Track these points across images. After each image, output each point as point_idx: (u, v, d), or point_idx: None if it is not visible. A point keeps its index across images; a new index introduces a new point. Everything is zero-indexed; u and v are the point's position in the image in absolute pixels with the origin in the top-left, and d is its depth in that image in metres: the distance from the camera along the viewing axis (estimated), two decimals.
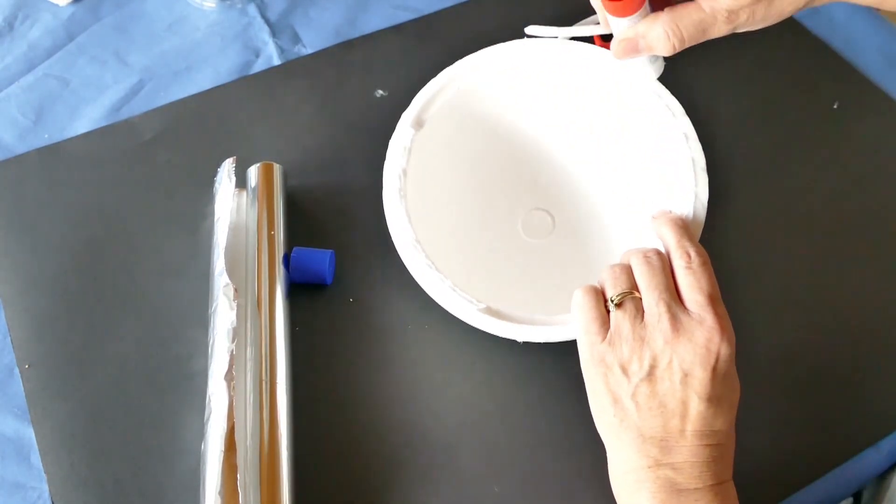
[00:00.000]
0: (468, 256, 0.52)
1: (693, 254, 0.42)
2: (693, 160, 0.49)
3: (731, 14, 0.43)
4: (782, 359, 0.50)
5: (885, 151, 0.60)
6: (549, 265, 0.53)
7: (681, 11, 0.43)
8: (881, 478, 0.50)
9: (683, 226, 0.45)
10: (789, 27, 0.68)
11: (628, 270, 0.43)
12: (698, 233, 0.47)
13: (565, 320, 0.46)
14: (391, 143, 0.52)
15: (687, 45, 0.44)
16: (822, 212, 0.56)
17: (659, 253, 0.43)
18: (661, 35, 0.44)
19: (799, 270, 0.54)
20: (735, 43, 0.65)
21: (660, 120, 0.51)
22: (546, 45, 0.55)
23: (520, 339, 0.46)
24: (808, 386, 0.49)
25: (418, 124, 0.52)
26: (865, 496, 0.51)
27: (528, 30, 0.65)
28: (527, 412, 0.48)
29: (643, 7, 0.45)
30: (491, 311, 0.46)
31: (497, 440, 0.47)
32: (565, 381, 0.48)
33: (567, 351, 0.49)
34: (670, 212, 0.47)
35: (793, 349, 0.50)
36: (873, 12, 0.70)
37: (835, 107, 0.62)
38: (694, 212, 0.47)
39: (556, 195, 0.56)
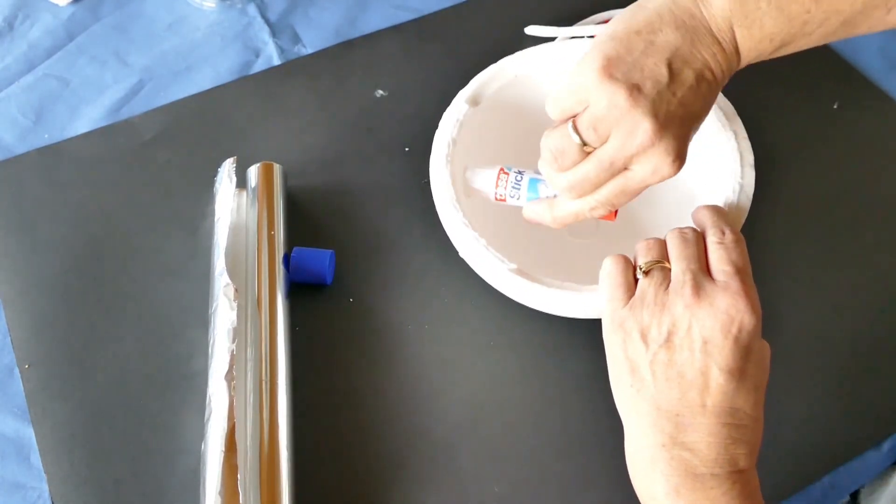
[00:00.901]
0: (513, 241, 0.51)
1: (727, 231, 0.42)
2: (741, 155, 0.50)
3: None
4: (782, 358, 0.50)
5: (885, 151, 0.60)
6: (593, 265, 0.53)
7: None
8: (881, 477, 0.50)
9: (721, 211, 0.45)
10: None
11: (661, 243, 0.43)
12: (740, 222, 0.47)
13: (593, 289, 0.45)
14: (444, 115, 0.52)
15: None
16: (819, 212, 0.56)
17: (694, 230, 0.43)
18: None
19: (796, 270, 0.54)
20: None
21: (709, 120, 0.51)
22: None
23: (547, 310, 0.46)
24: (809, 385, 0.49)
25: (474, 102, 0.52)
26: (864, 494, 0.51)
27: (528, 30, 0.65)
28: (528, 412, 0.48)
29: None
30: (521, 273, 0.46)
31: (498, 440, 0.47)
32: (569, 381, 0.48)
33: (572, 351, 0.49)
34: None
35: (792, 349, 0.50)
36: None
37: (835, 107, 0.62)
38: (738, 202, 0.48)
39: None
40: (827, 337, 0.51)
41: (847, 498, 0.50)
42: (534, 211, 0.46)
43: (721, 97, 0.53)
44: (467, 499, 0.45)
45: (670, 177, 0.41)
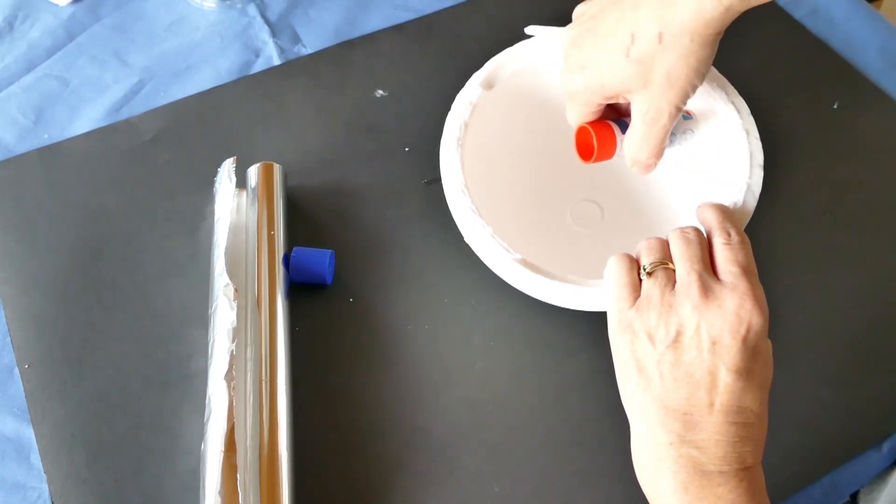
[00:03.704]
0: (517, 228, 0.51)
1: (733, 233, 0.42)
2: (751, 154, 0.49)
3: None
4: (783, 358, 0.50)
5: (885, 151, 0.60)
6: (597, 255, 0.53)
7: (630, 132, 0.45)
8: (880, 477, 0.50)
9: (727, 210, 0.45)
10: (789, 27, 0.68)
11: (665, 243, 0.43)
12: (745, 222, 0.47)
13: (598, 283, 0.45)
14: (457, 98, 0.52)
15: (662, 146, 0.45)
16: (819, 212, 0.56)
17: (697, 230, 0.43)
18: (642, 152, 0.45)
19: (795, 270, 0.54)
20: (734, 43, 0.65)
21: (723, 116, 0.51)
22: None
23: (552, 301, 0.46)
24: (810, 385, 0.49)
25: (488, 85, 0.52)
26: (863, 494, 0.51)
27: (528, 30, 0.65)
28: (528, 411, 0.48)
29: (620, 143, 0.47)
30: (526, 263, 0.45)
31: (497, 440, 0.47)
32: (569, 380, 0.48)
33: (572, 349, 0.49)
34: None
35: (793, 349, 0.50)
36: (873, 12, 0.70)
37: (835, 107, 0.62)
38: (744, 202, 0.47)
39: (605, 186, 0.56)
40: (827, 337, 0.51)
41: (847, 498, 0.50)
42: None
43: (736, 95, 0.52)
44: (467, 499, 0.45)
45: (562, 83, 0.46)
